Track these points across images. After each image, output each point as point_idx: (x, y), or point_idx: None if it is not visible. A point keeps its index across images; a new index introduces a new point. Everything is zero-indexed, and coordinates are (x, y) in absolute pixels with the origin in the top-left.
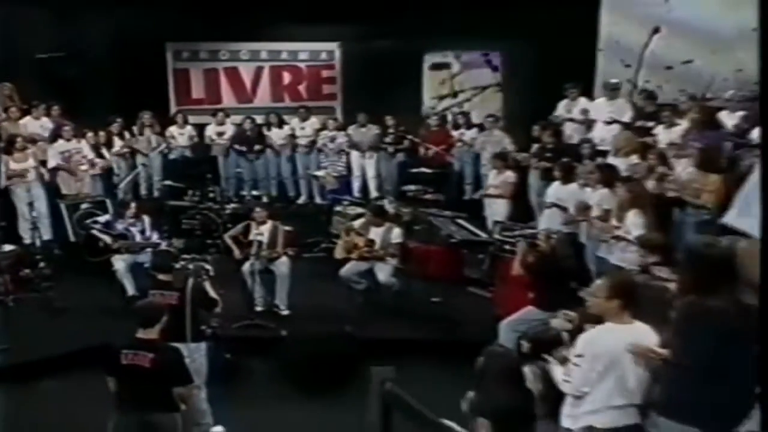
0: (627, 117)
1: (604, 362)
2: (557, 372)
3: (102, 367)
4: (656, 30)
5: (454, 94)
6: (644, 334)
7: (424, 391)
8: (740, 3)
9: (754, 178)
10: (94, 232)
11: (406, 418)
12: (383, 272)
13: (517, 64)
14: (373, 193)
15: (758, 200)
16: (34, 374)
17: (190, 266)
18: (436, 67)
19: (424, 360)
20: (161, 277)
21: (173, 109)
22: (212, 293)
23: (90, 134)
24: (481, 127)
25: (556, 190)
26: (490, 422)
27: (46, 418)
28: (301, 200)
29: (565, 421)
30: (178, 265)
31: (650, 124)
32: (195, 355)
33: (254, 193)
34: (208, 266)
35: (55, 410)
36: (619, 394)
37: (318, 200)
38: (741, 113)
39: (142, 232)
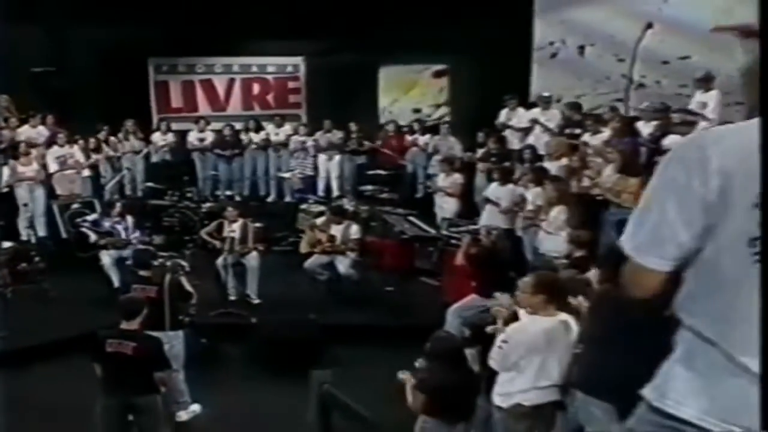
0: (553, 125)
1: (526, 348)
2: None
3: (89, 354)
4: (649, 26)
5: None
6: (565, 325)
7: (379, 369)
8: (735, 5)
9: None
10: (83, 229)
11: (344, 418)
12: (343, 264)
13: (464, 76)
14: (336, 193)
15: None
16: (30, 359)
17: (168, 263)
18: (438, 74)
19: (379, 343)
20: (142, 272)
21: (155, 117)
22: (188, 287)
23: (81, 140)
24: (435, 132)
25: (494, 190)
26: (430, 398)
27: (40, 399)
28: (271, 198)
29: (497, 400)
30: (156, 263)
31: (577, 131)
32: (173, 342)
33: (228, 192)
34: (184, 263)
35: (49, 392)
36: (543, 376)
37: (287, 198)
38: (654, 123)
39: (127, 229)
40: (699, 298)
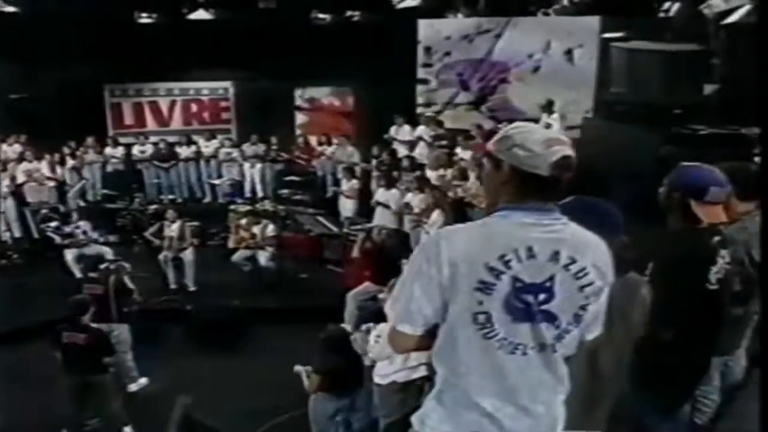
0: (427, 138)
1: None
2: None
3: (49, 343)
4: None
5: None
6: None
7: (292, 344)
8: None
9: None
10: (48, 233)
11: None
12: (263, 257)
13: (363, 98)
14: (260, 194)
15: None
16: (9, 341)
17: (112, 266)
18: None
19: (290, 321)
20: (91, 274)
21: (111, 132)
22: (129, 285)
23: (47, 156)
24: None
25: (382, 194)
26: (323, 378)
27: (17, 377)
28: (207, 200)
29: (376, 379)
30: (102, 266)
31: (444, 142)
32: (120, 329)
33: (170, 197)
34: (126, 264)
35: (25, 371)
36: (412, 357)
37: (220, 200)
38: None
39: (84, 232)
40: (443, 352)
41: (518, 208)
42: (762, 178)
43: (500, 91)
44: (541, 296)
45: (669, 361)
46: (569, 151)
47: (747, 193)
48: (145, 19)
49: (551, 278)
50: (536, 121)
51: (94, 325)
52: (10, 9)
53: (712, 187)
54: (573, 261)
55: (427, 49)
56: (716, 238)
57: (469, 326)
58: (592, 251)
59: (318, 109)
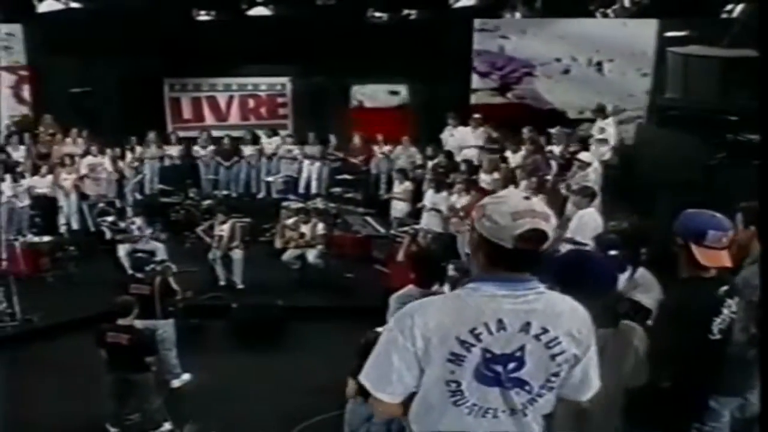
0: (481, 142)
1: None
2: None
3: (95, 342)
4: None
5: None
6: None
7: (333, 344)
8: None
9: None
10: (102, 227)
11: None
12: (312, 255)
13: (418, 95)
14: (313, 191)
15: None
16: (61, 332)
17: (158, 267)
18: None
19: (334, 320)
20: (138, 275)
21: (170, 127)
22: (174, 286)
23: (109, 150)
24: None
25: (431, 197)
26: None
27: (69, 367)
28: (261, 195)
29: None
30: (149, 267)
31: (495, 146)
32: (165, 328)
33: (224, 192)
34: (173, 266)
35: (76, 361)
36: None
37: (274, 195)
38: (563, 144)
39: (139, 228)
40: (419, 416)
41: (489, 279)
42: (761, 179)
43: (526, 82)
44: (511, 365)
45: (664, 406)
46: (540, 225)
47: None
48: (203, 16)
49: (521, 348)
50: (563, 113)
51: (138, 323)
52: (74, 5)
53: (710, 231)
54: (544, 331)
55: None
56: (723, 288)
57: (442, 393)
58: (567, 320)
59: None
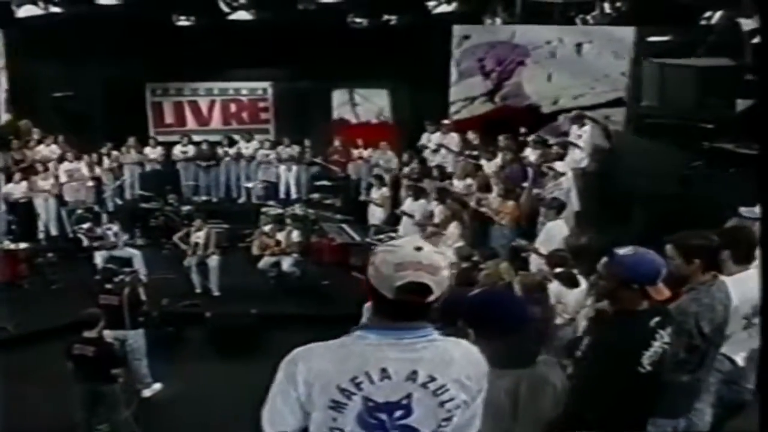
0: (455, 147)
1: None
2: None
3: (63, 354)
4: None
5: None
6: None
7: None
8: None
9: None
10: (79, 234)
11: None
12: (287, 263)
13: (398, 100)
14: (294, 197)
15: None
16: (36, 341)
17: (127, 278)
18: None
19: (309, 328)
20: (107, 285)
21: (151, 131)
22: (143, 296)
23: (86, 156)
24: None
25: (409, 205)
26: None
27: (42, 376)
28: (241, 200)
29: None
30: (117, 279)
31: (475, 153)
32: (135, 338)
33: (204, 198)
34: (142, 276)
35: (49, 370)
36: None
37: (254, 200)
38: (539, 151)
39: (116, 234)
40: None
41: (376, 328)
42: (760, 180)
43: (516, 74)
44: (398, 413)
45: None
46: (421, 278)
47: (747, 256)
48: (183, 21)
49: (408, 396)
50: (539, 107)
51: (108, 333)
52: (55, 9)
53: (663, 269)
54: (432, 379)
55: None
56: (655, 320)
57: None
58: (457, 367)
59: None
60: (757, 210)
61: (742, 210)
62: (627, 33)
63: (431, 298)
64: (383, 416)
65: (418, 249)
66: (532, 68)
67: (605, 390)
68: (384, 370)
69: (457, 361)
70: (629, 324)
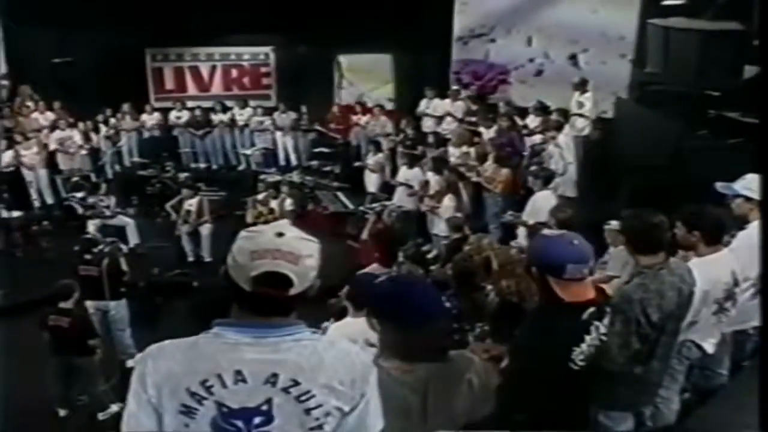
0: (459, 113)
1: None
2: None
3: (39, 325)
4: None
5: None
6: None
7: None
8: None
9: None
10: (71, 203)
11: None
12: None
13: (400, 65)
14: (293, 163)
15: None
16: (30, 311)
17: (106, 249)
18: None
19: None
20: (86, 256)
21: (152, 97)
22: (124, 267)
23: (80, 124)
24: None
25: (404, 173)
26: None
27: (28, 347)
28: (241, 167)
29: None
30: (96, 249)
31: (474, 119)
32: (117, 308)
33: (203, 165)
34: (123, 246)
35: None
36: None
37: (253, 167)
38: (539, 118)
39: (108, 206)
40: None
41: (233, 324)
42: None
43: (501, 91)
44: (257, 419)
45: None
46: (279, 267)
47: (714, 238)
48: None
49: (268, 401)
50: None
51: (90, 303)
52: None
53: (569, 265)
54: (295, 384)
55: None
56: (589, 311)
57: None
58: (326, 371)
59: None
60: (736, 186)
61: (718, 185)
62: (626, 30)
63: (293, 291)
64: (239, 423)
65: (280, 235)
66: (518, 87)
67: (531, 391)
68: (239, 373)
69: (328, 365)
70: (555, 320)
